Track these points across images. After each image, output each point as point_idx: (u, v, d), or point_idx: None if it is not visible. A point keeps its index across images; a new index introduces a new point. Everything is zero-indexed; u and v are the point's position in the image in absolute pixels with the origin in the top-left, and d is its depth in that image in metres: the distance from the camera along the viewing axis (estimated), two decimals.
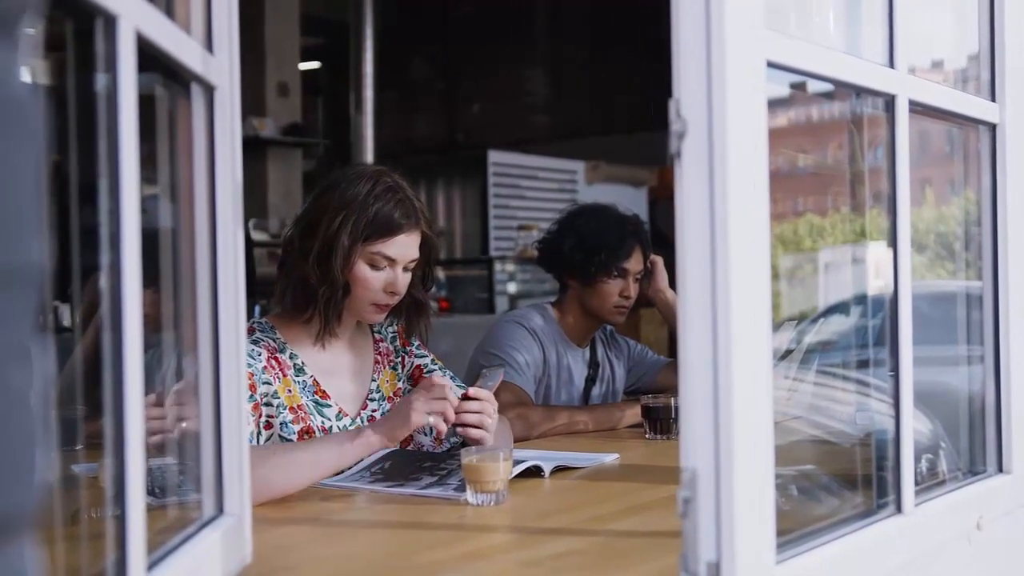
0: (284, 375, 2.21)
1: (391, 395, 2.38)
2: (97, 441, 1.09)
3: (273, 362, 2.21)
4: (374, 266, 2.23)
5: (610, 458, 2.36)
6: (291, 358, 2.25)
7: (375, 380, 2.38)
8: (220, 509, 1.36)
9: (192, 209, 1.34)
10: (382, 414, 2.32)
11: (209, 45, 1.35)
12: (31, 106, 0.56)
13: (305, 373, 2.25)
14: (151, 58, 1.11)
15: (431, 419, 2.05)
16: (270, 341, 2.24)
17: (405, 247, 2.25)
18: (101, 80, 1.00)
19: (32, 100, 0.56)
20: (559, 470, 2.20)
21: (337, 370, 2.32)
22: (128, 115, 1.00)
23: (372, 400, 2.35)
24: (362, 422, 2.29)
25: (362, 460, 2.15)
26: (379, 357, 2.41)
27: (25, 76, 0.57)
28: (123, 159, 1.00)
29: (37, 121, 0.57)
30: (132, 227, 1.00)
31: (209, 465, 1.35)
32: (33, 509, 0.57)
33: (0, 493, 0.54)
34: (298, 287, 2.24)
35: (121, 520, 0.99)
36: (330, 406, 2.26)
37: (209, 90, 1.34)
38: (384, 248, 2.22)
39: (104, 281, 0.99)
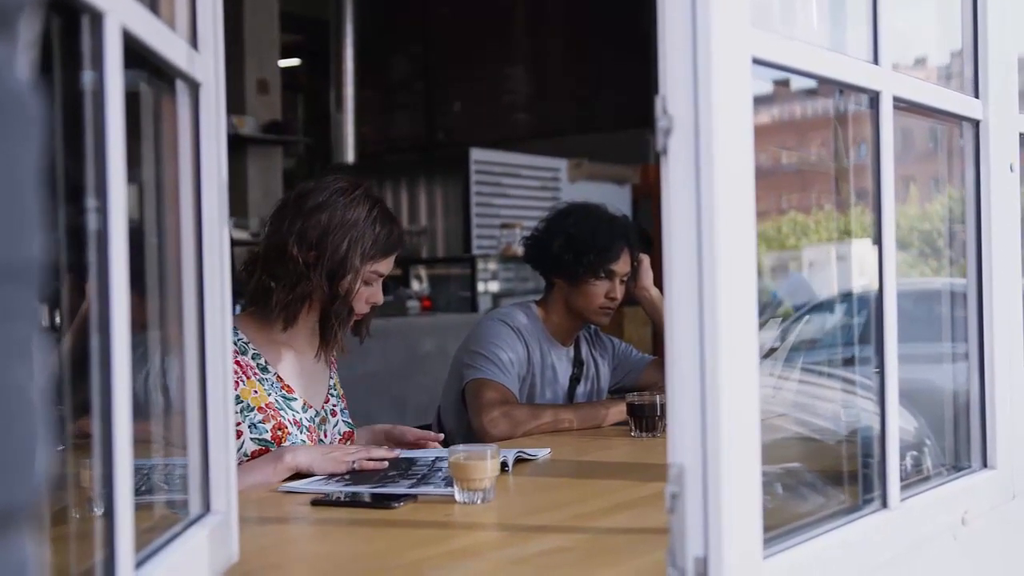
0: (248, 376, 2.24)
1: (342, 394, 2.52)
2: (80, 442, 1.08)
3: (235, 366, 2.22)
4: (368, 283, 2.32)
5: (542, 453, 2.38)
6: (254, 358, 2.31)
7: (332, 378, 2.49)
8: (207, 507, 1.36)
9: (177, 207, 1.33)
10: (341, 410, 2.46)
11: (194, 42, 1.34)
12: (30, 102, 0.56)
13: (269, 371, 2.32)
14: (135, 54, 1.10)
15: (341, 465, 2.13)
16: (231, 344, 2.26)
17: (392, 263, 2.37)
18: (87, 77, 0.99)
19: (31, 96, 0.56)
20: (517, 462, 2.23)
21: (299, 368, 2.39)
22: (115, 112, 1.00)
23: (332, 396, 2.47)
24: (325, 414, 2.41)
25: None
26: (333, 357, 2.51)
27: (24, 72, 0.57)
28: (110, 157, 0.99)
29: (36, 117, 0.57)
30: (119, 225, 1.00)
31: (196, 463, 1.35)
32: (35, 504, 0.57)
33: (3, 488, 0.54)
34: (299, 302, 2.28)
35: (109, 519, 0.98)
36: (296, 399, 2.34)
37: (194, 87, 1.34)
38: (380, 267, 2.33)
39: (91, 281, 0.99)
